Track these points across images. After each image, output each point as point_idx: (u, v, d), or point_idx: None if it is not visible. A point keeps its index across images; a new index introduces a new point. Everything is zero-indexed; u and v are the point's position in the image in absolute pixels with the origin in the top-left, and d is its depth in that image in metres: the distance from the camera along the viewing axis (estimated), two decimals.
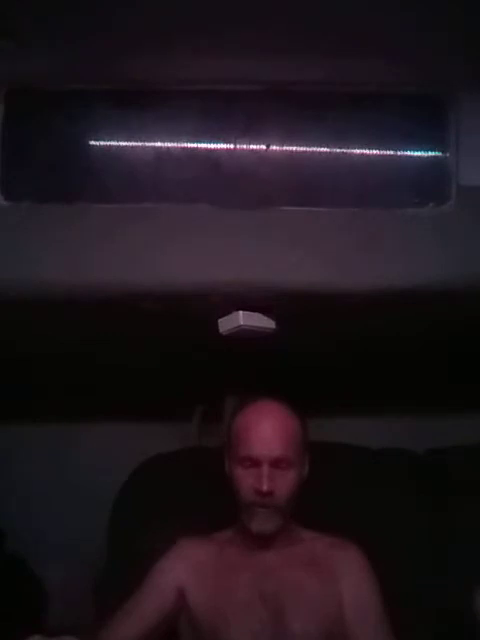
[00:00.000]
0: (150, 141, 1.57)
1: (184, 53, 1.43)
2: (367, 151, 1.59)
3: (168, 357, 1.95)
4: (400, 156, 1.59)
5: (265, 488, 1.47)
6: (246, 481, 1.51)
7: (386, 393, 2.09)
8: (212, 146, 1.57)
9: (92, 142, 1.59)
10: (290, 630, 1.47)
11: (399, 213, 1.55)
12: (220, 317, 1.66)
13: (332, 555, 1.57)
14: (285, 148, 1.57)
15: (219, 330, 1.67)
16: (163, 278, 1.53)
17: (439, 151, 1.58)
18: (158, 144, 1.57)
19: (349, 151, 1.58)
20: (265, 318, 1.66)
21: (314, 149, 1.58)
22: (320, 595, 1.51)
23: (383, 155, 1.59)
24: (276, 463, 1.50)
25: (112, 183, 1.57)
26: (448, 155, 1.56)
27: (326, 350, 1.90)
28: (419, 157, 1.60)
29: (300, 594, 1.51)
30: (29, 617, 1.89)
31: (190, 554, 1.60)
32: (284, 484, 1.50)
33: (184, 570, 1.57)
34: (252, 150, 1.56)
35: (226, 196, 1.56)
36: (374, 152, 1.59)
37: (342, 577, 1.54)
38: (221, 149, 1.57)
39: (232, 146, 1.56)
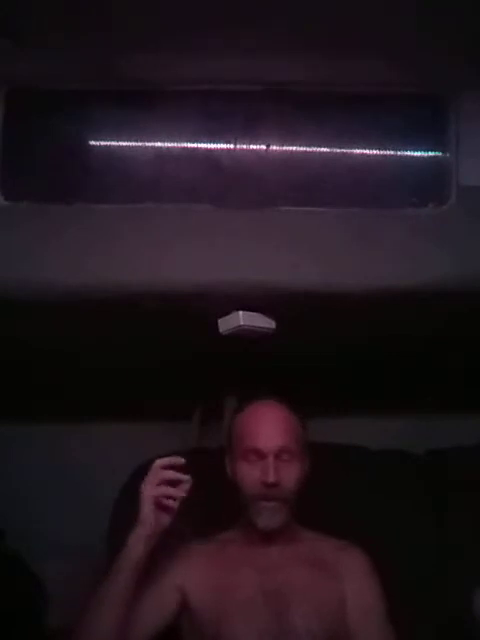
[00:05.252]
0: (150, 141, 1.58)
1: (184, 53, 1.43)
2: (367, 151, 1.59)
3: (168, 357, 1.94)
4: (400, 156, 1.60)
5: (271, 479, 1.49)
6: (252, 475, 1.52)
7: (386, 393, 2.08)
8: (212, 146, 1.57)
9: (92, 142, 1.60)
10: (293, 628, 1.47)
11: (399, 213, 1.56)
12: (220, 317, 1.66)
13: (336, 556, 1.57)
14: (285, 148, 1.57)
15: (219, 330, 1.66)
16: (163, 278, 1.53)
17: (439, 151, 1.58)
18: (158, 144, 1.58)
19: (349, 151, 1.58)
20: (265, 318, 1.66)
21: (314, 149, 1.58)
22: (323, 594, 1.51)
23: (383, 155, 1.59)
24: (280, 454, 1.52)
25: (112, 183, 1.58)
26: (448, 155, 1.56)
27: (326, 350, 1.89)
28: (419, 157, 1.60)
29: (303, 592, 1.51)
30: (29, 617, 1.89)
31: (190, 555, 1.60)
32: (289, 475, 1.52)
33: (185, 571, 1.56)
34: (252, 150, 1.57)
35: (226, 196, 1.57)
36: (374, 152, 1.59)
37: (346, 578, 1.54)
38: (221, 149, 1.57)
39: (232, 146, 1.56)
